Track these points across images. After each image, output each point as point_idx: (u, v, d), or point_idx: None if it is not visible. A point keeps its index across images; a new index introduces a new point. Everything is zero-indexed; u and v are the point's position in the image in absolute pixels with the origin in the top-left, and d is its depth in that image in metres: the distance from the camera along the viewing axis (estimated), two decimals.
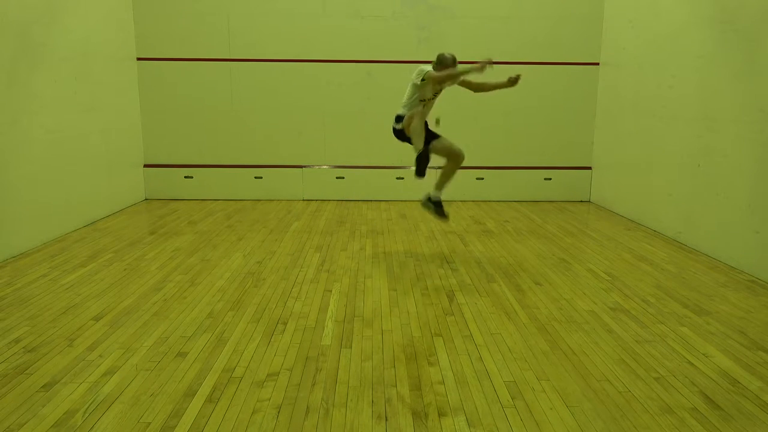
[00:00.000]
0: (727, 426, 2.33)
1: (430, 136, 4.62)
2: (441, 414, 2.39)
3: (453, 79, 4.32)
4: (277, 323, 3.30)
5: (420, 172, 4.41)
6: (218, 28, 6.75)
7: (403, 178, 7.01)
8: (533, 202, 7.06)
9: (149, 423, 2.30)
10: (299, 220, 5.95)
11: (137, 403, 2.44)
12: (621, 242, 5.19)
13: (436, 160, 4.62)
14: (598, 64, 6.90)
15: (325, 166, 7.09)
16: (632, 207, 6.12)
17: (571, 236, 5.42)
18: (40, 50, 4.90)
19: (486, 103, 6.25)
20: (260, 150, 7.01)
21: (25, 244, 4.68)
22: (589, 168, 7.14)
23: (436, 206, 4.65)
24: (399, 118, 4.49)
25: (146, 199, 6.97)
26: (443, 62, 4.36)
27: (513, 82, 4.51)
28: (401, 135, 4.53)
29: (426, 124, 4.65)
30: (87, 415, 2.35)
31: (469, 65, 4.15)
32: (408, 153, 4.77)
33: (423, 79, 4.29)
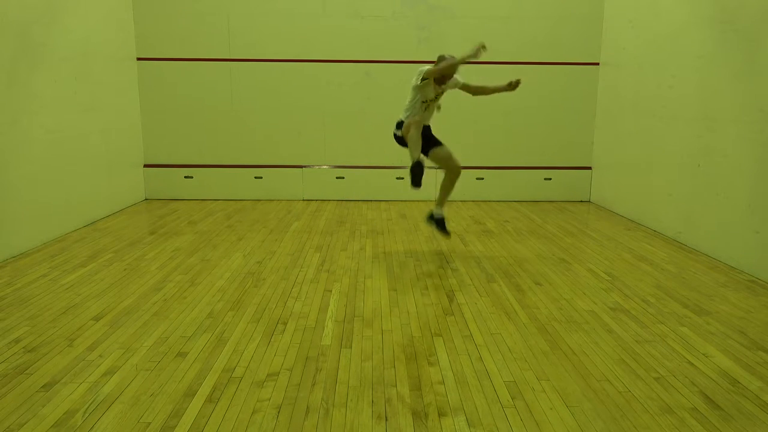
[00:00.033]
0: (727, 426, 2.33)
1: (432, 143, 4.62)
2: (441, 414, 2.39)
3: (452, 69, 4.29)
4: (277, 323, 3.30)
5: (416, 182, 4.32)
6: (218, 28, 6.75)
7: (402, 178, 7.01)
8: (533, 202, 7.06)
9: (149, 423, 2.30)
10: (299, 220, 5.95)
11: (137, 403, 2.44)
12: (621, 242, 5.19)
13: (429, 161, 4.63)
14: (598, 64, 6.90)
15: (325, 166, 7.09)
16: (632, 207, 6.12)
17: (571, 236, 5.42)
18: (40, 50, 4.90)
19: (486, 103, 6.23)
20: (260, 150, 7.01)
21: (25, 244, 4.68)
22: (589, 168, 7.14)
23: (437, 224, 4.72)
24: (400, 125, 4.50)
25: (146, 199, 6.97)
26: (443, 62, 4.37)
27: (513, 86, 4.57)
28: (402, 141, 4.54)
29: (429, 129, 4.65)
30: (87, 415, 2.35)
31: (464, 53, 4.18)
32: (408, 154, 4.78)
33: (424, 78, 4.29)
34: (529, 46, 6.86)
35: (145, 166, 6.96)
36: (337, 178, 7.08)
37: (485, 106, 6.69)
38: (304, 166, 7.06)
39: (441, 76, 4.35)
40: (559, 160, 7.12)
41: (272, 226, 5.66)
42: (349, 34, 6.81)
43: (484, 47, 4.14)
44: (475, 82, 4.70)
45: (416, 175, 4.27)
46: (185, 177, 6.99)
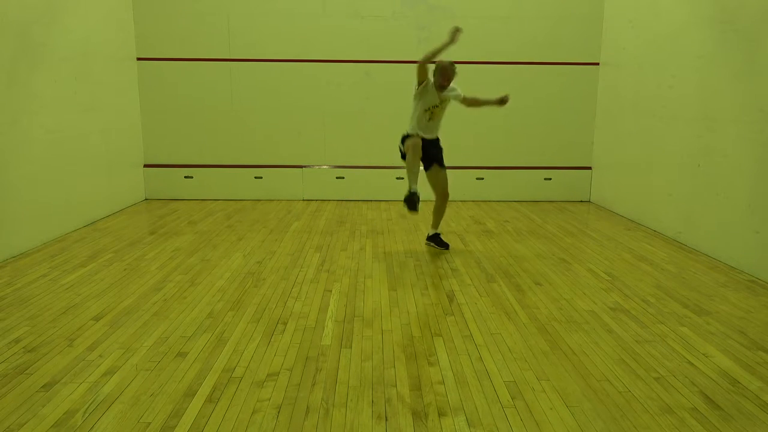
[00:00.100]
0: (727, 426, 2.33)
1: (433, 158, 4.70)
2: (441, 414, 2.39)
3: (433, 55, 4.33)
4: (277, 323, 3.30)
5: (411, 208, 4.48)
6: (218, 28, 6.75)
7: (402, 178, 7.00)
8: (533, 202, 7.05)
9: (149, 423, 2.30)
10: (299, 220, 5.95)
11: (137, 403, 2.44)
12: (621, 242, 5.19)
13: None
14: (598, 64, 6.89)
15: (325, 166, 7.09)
16: (632, 207, 6.12)
17: (571, 236, 5.42)
18: (40, 50, 4.89)
19: None
20: (260, 150, 7.01)
21: (25, 244, 4.68)
22: (589, 168, 7.14)
23: (436, 242, 4.92)
24: (405, 139, 4.56)
25: (146, 199, 6.97)
26: (442, 67, 4.42)
27: (503, 102, 4.74)
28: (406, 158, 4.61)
29: (437, 143, 4.66)
30: (87, 415, 2.35)
31: (442, 41, 4.31)
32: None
33: (420, 82, 4.35)
34: (529, 46, 6.86)
35: (145, 166, 6.96)
36: (337, 178, 7.08)
37: (485, 107, 6.68)
38: (304, 166, 7.06)
39: (441, 82, 4.44)
40: (559, 160, 7.12)
41: (272, 226, 5.66)
42: (349, 34, 6.81)
43: (459, 30, 4.28)
44: (469, 94, 4.74)
45: (411, 203, 4.46)
46: (185, 177, 6.99)
